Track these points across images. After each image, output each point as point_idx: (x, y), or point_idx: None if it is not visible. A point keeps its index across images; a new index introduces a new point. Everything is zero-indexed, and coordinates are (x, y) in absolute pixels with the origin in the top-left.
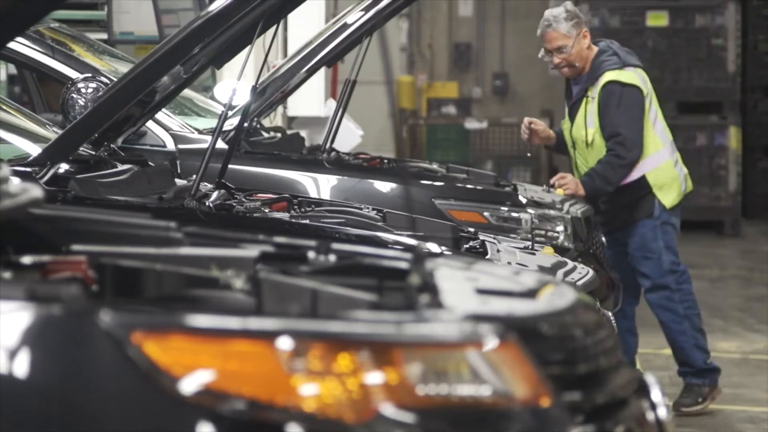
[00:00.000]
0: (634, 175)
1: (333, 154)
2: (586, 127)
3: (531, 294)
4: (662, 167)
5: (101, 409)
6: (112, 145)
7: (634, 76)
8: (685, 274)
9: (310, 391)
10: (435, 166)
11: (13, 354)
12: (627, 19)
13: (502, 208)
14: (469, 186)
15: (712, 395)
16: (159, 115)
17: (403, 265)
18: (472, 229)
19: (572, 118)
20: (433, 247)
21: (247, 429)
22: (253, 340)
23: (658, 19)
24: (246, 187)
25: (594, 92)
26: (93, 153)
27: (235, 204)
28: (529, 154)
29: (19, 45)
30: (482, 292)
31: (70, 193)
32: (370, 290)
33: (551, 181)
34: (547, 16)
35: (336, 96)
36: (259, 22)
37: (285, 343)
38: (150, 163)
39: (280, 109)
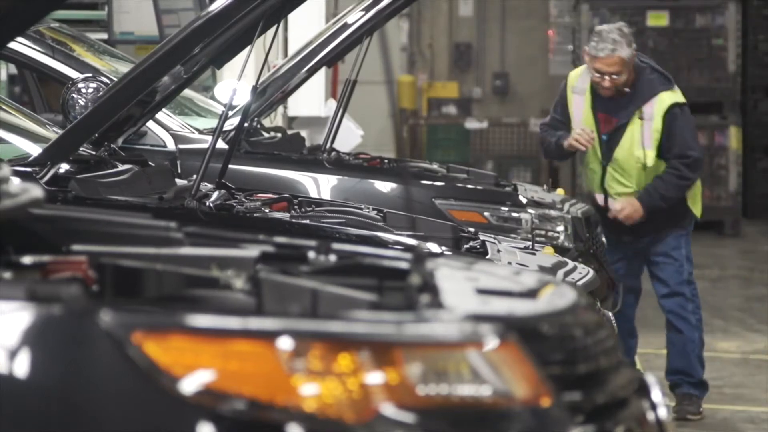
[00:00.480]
0: None
1: (333, 154)
2: (643, 149)
3: (531, 294)
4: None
5: (101, 409)
6: (112, 145)
7: (681, 95)
8: (696, 289)
9: (310, 391)
10: (435, 166)
11: (13, 354)
12: (627, 19)
13: (503, 208)
14: (469, 186)
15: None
16: (159, 115)
17: (404, 265)
18: (472, 229)
19: (614, 138)
20: (433, 247)
21: (248, 429)
22: (254, 340)
23: (658, 19)
24: (246, 187)
25: (647, 113)
26: (93, 153)
27: (235, 204)
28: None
29: (20, 45)
30: (482, 292)
31: (70, 193)
32: (370, 290)
33: (611, 216)
34: (607, 36)
35: (336, 96)
36: (260, 22)
37: (285, 343)
38: (150, 163)
39: (280, 109)
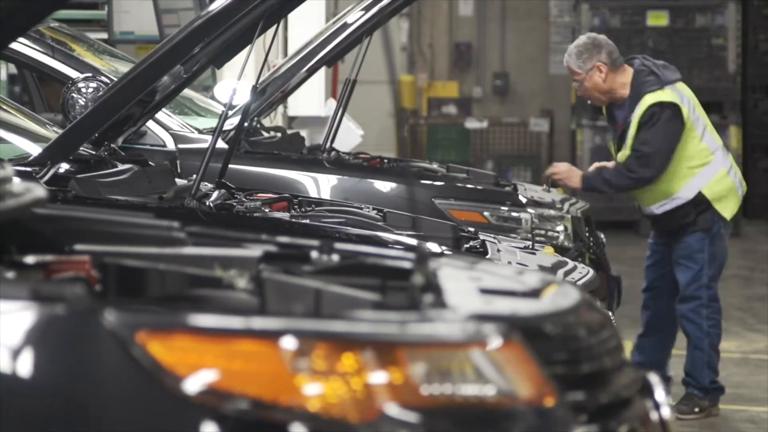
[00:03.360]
0: (690, 193)
1: (333, 153)
2: (625, 150)
3: (534, 294)
4: (716, 178)
5: (105, 409)
6: (112, 145)
7: (674, 94)
8: (715, 293)
9: (313, 391)
10: (435, 166)
11: (17, 354)
12: (627, 18)
13: (502, 207)
14: (469, 186)
15: (709, 411)
16: (159, 115)
17: (407, 264)
18: (472, 229)
19: (620, 145)
20: (433, 247)
21: (251, 428)
22: (257, 340)
23: (658, 19)
24: (246, 186)
25: (634, 117)
26: (93, 153)
27: (235, 204)
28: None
29: (20, 45)
30: (486, 291)
31: (70, 193)
32: (373, 290)
33: (545, 174)
34: (569, 48)
35: (336, 96)
36: (259, 22)
37: (289, 343)
38: (150, 162)
39: (280, 108)
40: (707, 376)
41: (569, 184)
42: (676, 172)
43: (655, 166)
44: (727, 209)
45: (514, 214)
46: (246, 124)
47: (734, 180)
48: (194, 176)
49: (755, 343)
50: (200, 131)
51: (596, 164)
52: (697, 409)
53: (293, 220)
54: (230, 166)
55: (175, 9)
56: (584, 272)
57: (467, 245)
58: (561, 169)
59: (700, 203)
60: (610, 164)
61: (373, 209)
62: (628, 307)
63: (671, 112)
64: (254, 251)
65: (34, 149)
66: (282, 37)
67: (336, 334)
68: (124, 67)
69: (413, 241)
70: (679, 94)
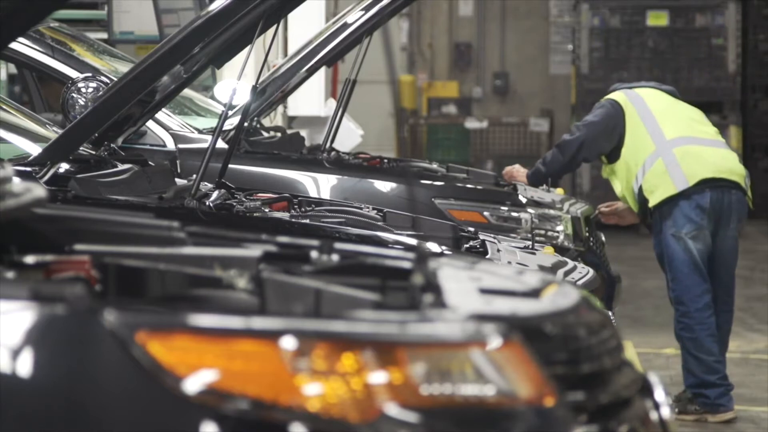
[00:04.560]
0: (635, 189)
1: (333, 153)
2: None
3: (534, 294)
4: (651, 171)
5: (105, 409)
6: (112, 145)
7: (619, 94)
8: (687, 294)
9: (313, 391)
10: (435, 166)
11: (17, 354)
12: (627, 18)
13: (502, 207)
14: (469, 186)
15: (700, 417)
16: (159, 115)
17: (407, 264)
18: (472, 229)
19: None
20: (433, 247)
21: (251, 428)
22: (257, 340)
23: (658, 19)
24: (246, 186)
25: None
26: (93, 152)
27: (235, 204)
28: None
29: (19, 45)
30: (486, 291)
31: (70, 193)
32: (373, 290)
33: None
34: None
35: (336, 96)
36: (259, 22)
37: (289, 343)
38: (150, 162)
39: (280, 108)
40: (686, 378)
41: (516, 176)
42: (630, 170)
43: (580, 132)
44: (654, 197)
45: (514, 214)
46: (246, 124)
47: (670, 170)
48: (194, 176)
49: (755, 343)
50: (200, 131)
51: None
52: (676, 410)
53: (293, 220)
54: (230, 166)
55: (175, 9)
56: (584, 272)
57: (467, 245)
58: (510, 167)
59: (643, 200)
60: None
61: (373, 209)
62: (628, 307)
63: (605, 102)
64: (254, 251)
65: (34, 149)
66: (282, 37)
67: (336, 334)
68: (124, 67)
69: (413, 241)
70: (633, 95)
